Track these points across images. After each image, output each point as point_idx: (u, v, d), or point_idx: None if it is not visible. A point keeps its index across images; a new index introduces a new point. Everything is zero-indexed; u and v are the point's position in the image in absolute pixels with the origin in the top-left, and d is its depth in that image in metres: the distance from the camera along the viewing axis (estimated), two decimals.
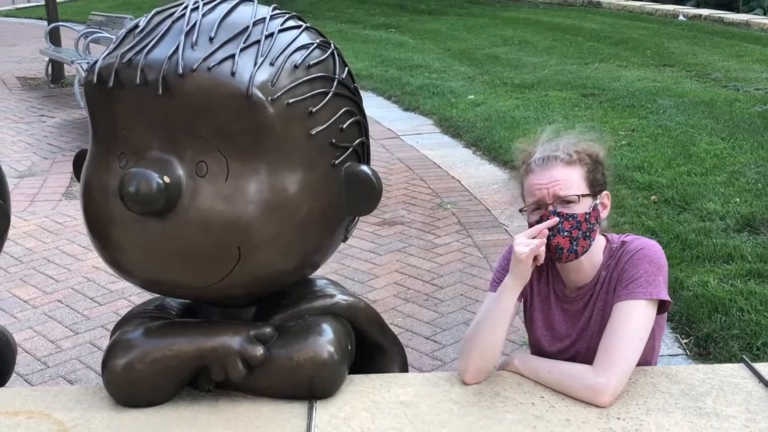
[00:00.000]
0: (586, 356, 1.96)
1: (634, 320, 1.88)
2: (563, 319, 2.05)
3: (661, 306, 1.94)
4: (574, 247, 1.91)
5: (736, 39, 12.11)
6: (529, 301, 2.10)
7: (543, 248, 1.89)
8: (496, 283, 2.06)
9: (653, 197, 5.29)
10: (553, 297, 2.07)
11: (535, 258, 1.90)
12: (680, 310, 3.73)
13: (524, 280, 1.92)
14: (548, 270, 2.07)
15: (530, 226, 1.95)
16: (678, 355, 3.45)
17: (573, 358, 2.01)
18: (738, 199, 5.12)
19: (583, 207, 1.92)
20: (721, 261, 4.22)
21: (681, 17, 14.74)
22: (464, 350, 2.00)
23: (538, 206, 1.94)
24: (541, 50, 11.76)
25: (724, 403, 1.85)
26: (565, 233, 1.90)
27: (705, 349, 3.46)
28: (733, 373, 1.99)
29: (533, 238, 1.89)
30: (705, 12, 14.70)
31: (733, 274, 4.03)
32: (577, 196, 1.91)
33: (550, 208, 1.91)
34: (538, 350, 2.12)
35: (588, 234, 1.92)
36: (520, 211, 2.02)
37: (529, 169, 1.96)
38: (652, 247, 1.97)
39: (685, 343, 3.54)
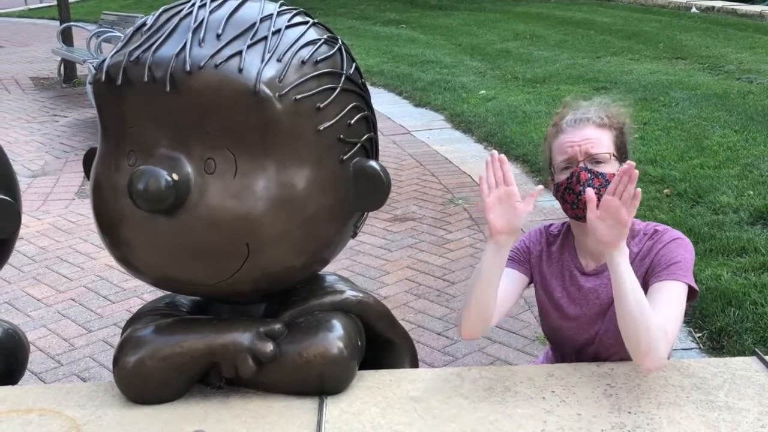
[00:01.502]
0: (614, 337, 1.97)
1: (676, 299, 1.88)
2: (581, 296, 2.06)
3: (689, 295, 1.95)
4: None
5: (750, 31, 12.03)
6: (541, 286, 2.11)
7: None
8: (509, 260, 2.04)
9: (666, 190, 5.27)
10: (568, 276, 2.08)
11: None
12: (693, 303, 3.71)
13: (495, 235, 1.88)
14: (564, 250, 2.09)
15: (558, 185, 1.97)
16: (691, 349, 3.44)
17: (596, 340, 2.01)
18: (751, 192, 5.10)
19: (611, 168, 1.94)
20: (735, 254, 4.20)
21: (693, 9, 14.66)
22: (462, 311, 1.99)
23: (568, 165, 1.96)
24: (552, 44, 11.73)
25: (737, 396, 1.84)
26: (595, 189, 1.90)
27: (718, 342, 3.44)
28: (745, 366, 1.97)
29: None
30: (718, 4, 14.62)
31: (746, 268, 4.01)
32: (608, 154, 1.94)
33: (581, 164, 1.93)
34: (558, 336, 2.13)
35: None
36: (549, 167, 2.02)
37: (560, 129, 2.00)
38: (686, 239, 2.00)
39: (699, 337, 3.52)
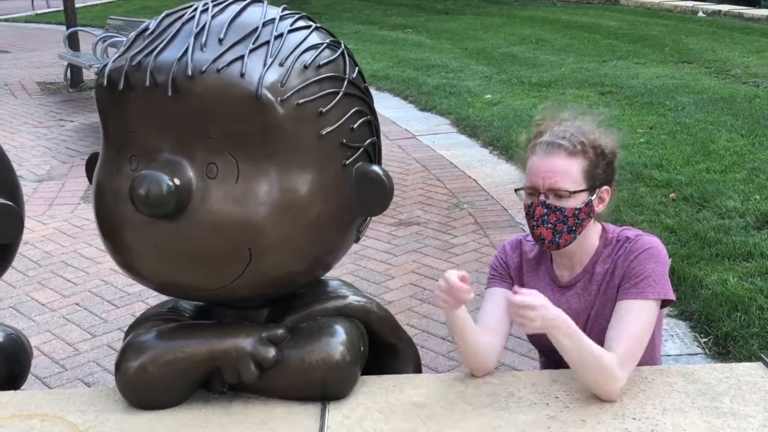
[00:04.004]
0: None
1: (644, 319, 1.89)
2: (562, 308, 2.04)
3: (663, 302, 1.95)
4: (556, 239, 1.94)
5: (756, 35, 12.00)
6: None
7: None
8: (491, 278, 2.12)
9: (672, 195, 5.25)
10: (545, 286, 2.07)
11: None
12: (699, 308, 3.69)
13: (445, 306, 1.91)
14: (541, 260, 2.10)
15: (524, 208, 1.97)
16: (697, 354, 3.42)
17: None
18: (758, 197, 5.07)
19: (574, 202, 1.92)
20: (741, 259, 4.18)
21: (700, 13, 14.63)
22: (464, 360, 2.01)
23: (531, 192, 1.96)
24: (558, 48, 11.71)
25: (742, 402, 1.83)
26: (549, 225, 1.92)
27: (724, 348, 3.42)
28: (750, 371, 1.96)
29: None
30: (725, 8, 14.59)
31: (752, 272, 3.99)
32: (569, 192, 1.92)
33: (541, 197, 1.93)
34: (542, 344, 2.12)
35: (574, 228, 1.94)
36: (516, 191, 2.03)
37: (534, 150, 1.98)
38: (658, 247, 1.98)
39: (704, 342, 3.50)
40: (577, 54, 11.13)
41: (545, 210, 1.91)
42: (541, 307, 1.76)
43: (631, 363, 1.85)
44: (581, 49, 11.50)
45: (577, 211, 1.92)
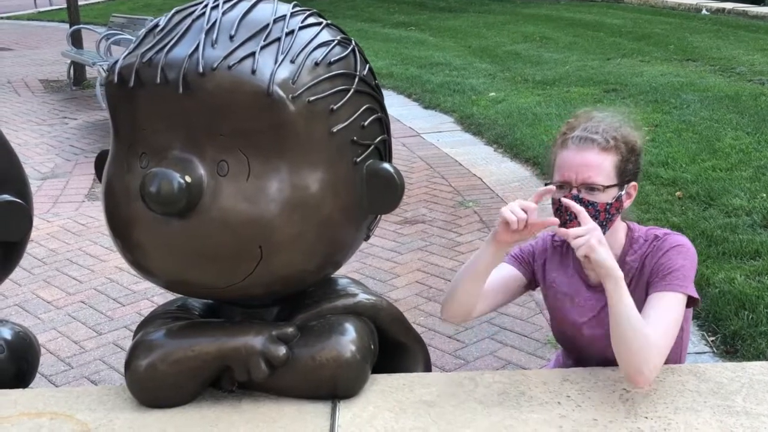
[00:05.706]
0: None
1: (672, 311, 1.86)
2: (585, 305, 2.04)
3: (689, 301, 1.93)
4: None
5: (761, 32, 11.98)
6: (548, 294, 2.11)
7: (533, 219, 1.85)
8: (510, 256, 2.12)
9: (678, 193, 5.24)
10: (574, 285, 2.06)
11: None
12: (707, 307, 3.68)
13: (498, 242, 1.90)
14: (569, 259, 2.08)
15: (552, 202, 1.95)
16: (705, 352, 3.41)
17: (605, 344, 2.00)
18: (764, 195, 5.06)
19: (606, 197, 1.91)
20: (748, 257, 4.17)
21: (704, 11, 14.61)
22: (448, 294, 2.04)
23: (562, 185, 1.93)
24: (562, 46, 11.70)
25: (754, 401, 1.82)
26: None
27: (732, 346, 3.41)
28: (762, 370, 1.95)
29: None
30: (728, 5, 14.56)
31: (760, 271, 3.98)
32: (603, 186, 1.91)
33: (574, 191, 1.90)
34: (568, 340, 2.13)
35: (604, 223, 1.92)
36: (546, 185, 2.00)
37: (566, 144, 1.96)
38: (686, 244, 1.98)
39: (712, 341, 3.49)
40: (581, 52, 11.12)
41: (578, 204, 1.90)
42: (593, 230, 1.79)
43: (661, 357, 1.82)
44: (585, 47, 11.49)
45: (608, 206, 1.91)
